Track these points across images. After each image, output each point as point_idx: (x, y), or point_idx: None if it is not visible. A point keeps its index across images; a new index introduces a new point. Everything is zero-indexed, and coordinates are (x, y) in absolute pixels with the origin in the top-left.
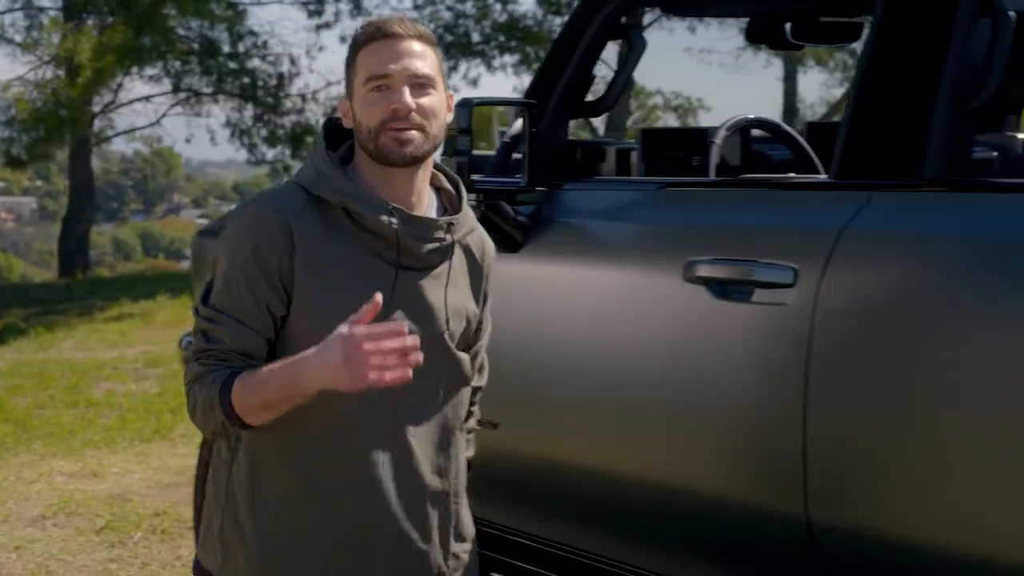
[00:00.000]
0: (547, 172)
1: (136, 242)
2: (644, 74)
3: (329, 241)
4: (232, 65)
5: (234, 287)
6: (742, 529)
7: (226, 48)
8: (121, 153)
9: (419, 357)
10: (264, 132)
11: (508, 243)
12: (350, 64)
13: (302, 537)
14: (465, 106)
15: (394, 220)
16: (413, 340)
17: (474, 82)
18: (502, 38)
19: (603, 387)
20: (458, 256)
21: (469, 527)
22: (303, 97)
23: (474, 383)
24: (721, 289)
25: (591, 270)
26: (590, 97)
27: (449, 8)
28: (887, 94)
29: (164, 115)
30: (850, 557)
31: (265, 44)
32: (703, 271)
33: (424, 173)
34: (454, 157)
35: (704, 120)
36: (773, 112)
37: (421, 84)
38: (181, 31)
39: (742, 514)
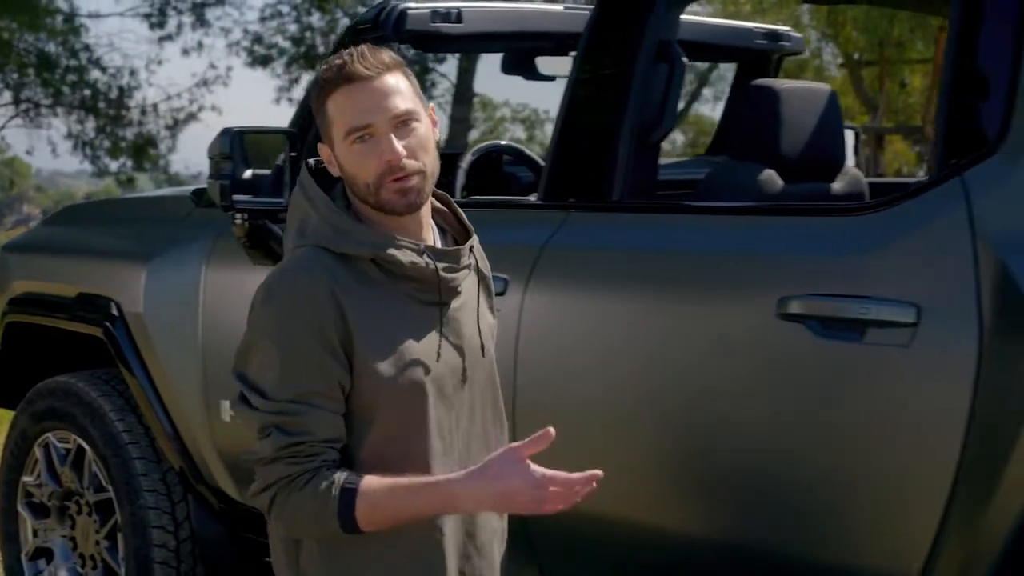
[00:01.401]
0: None
1: None
2: (491, 86)
3: (369, 297)
4: (71, 78)
5: (299, 371)
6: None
7: (64, 61)
8: None
9: (593, 485)
10: (107, 144)
11: (272, 258)
12: (319, 111)
13: None
14: (227, 135)
15: (430, 260)
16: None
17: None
18: None
19: None
20: (474, 276)
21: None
22: (143, 110)
23: None
24: None
25: None
26: None
27: (297, 20)
28: (582, 127)
29: (3, 127)
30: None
31: (100, 60)
32: None
33: (428, 206)
34: (217, 180)
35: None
36: None
37: (404, 121)
38: (17, 44)
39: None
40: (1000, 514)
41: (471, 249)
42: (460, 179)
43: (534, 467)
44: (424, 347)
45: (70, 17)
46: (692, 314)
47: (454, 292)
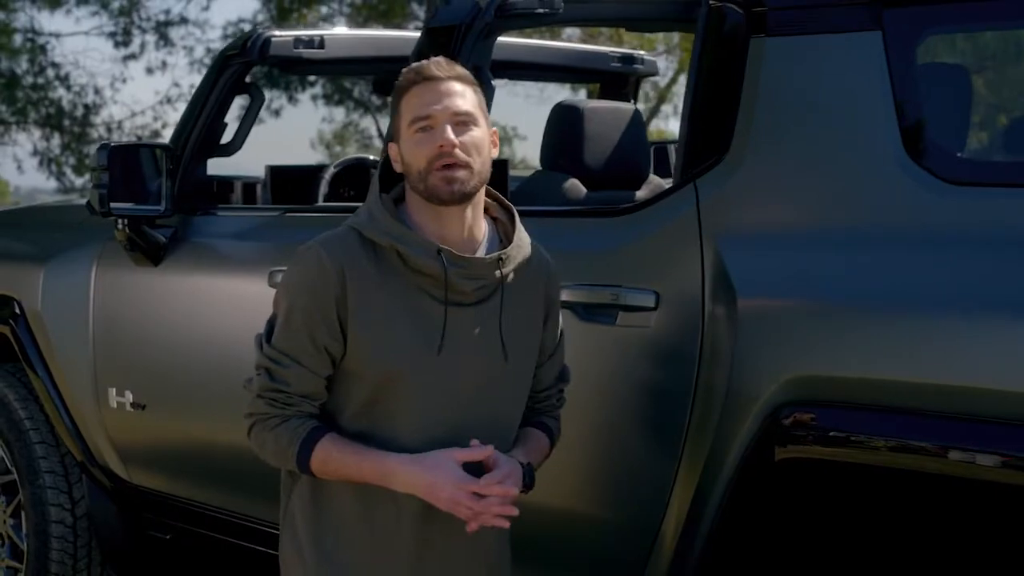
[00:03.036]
0: (187, 201)
1: None
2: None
3: (381, 283)
4: (36, 95)
5: (294, 330)
6: None
7: (31, 79)
8: None
9: (504, 524)
10: (72, 160)
11: (150, 258)
12: (394, 110)
13: (361, 565)
14: (104, 149)
15: (442, 261)
16: (512, 494)
17: (277, 112)
18: None
19: (221, 374)
20: (513, 284)
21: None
22: (109, 127)
23: (559, 382)
24: None
25: (214, 280)
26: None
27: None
28: None
29: None
30: None
31: (67, 77)
32: (275, 279)
33: (475, 209)
34: (96, 189)
35: (519, 148)
36: None
37: (463, 121)
38: None
39: None
40: (717, 467)
41: (500, 260)
42: (323, 188)
43: (462, 472)
44: (421, 338)
45: (32, 37)
46: None
47: (468, 295)
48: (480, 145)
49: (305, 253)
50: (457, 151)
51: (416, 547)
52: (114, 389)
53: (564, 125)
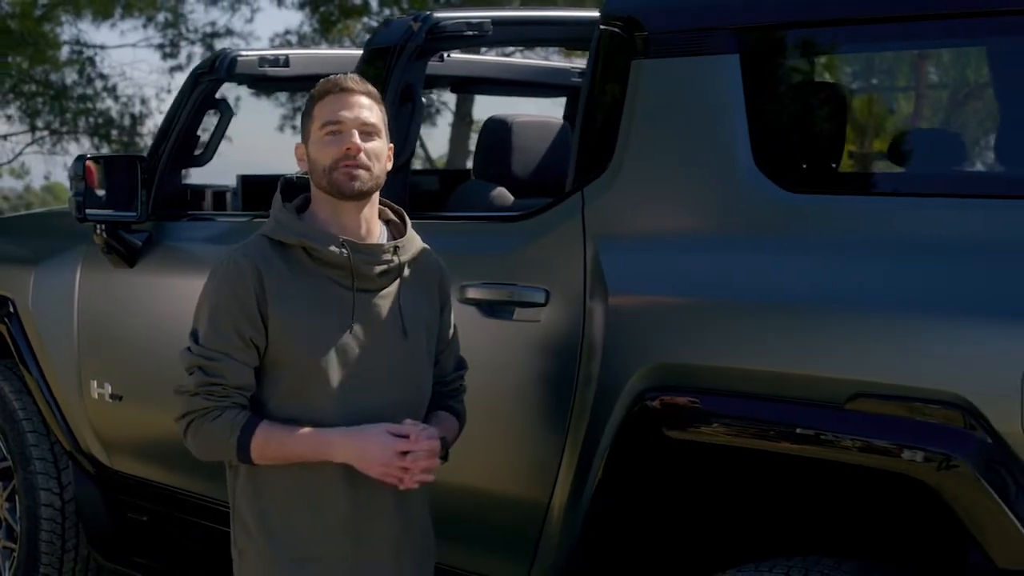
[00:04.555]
0: (162, 208)
1: None
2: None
3: (294, 278)
4: (83, 106)
5: (221, 328)
6: None
7: (80, 90)
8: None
9: (430, 478)
10: None
11: (126, 261)
12: (307, 114)
13: (307, 539)
14: (80, 160)
15: (345, 250)
16: (436, 445)
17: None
18: None
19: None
20: (409, 275)
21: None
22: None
23: (457, 370)
24: None
25: (184, 280)
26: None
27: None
28: None
29: (20, 153)
30: None
31: (115, 87)
32: None
33: (371, 208)
34: (73, 197)
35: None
36: None
37: (368, 132)
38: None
39: None
40: (594, 447)
41: (396, 249)
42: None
43: (391, 437)
44: (332, 322)
45: (79, 50)
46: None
47: (372, 281)
48: (379, 154)
49: (223, 261)
50: (361, 155)
51: (351, 512)
52: (95, 382)
53: (494, 138)
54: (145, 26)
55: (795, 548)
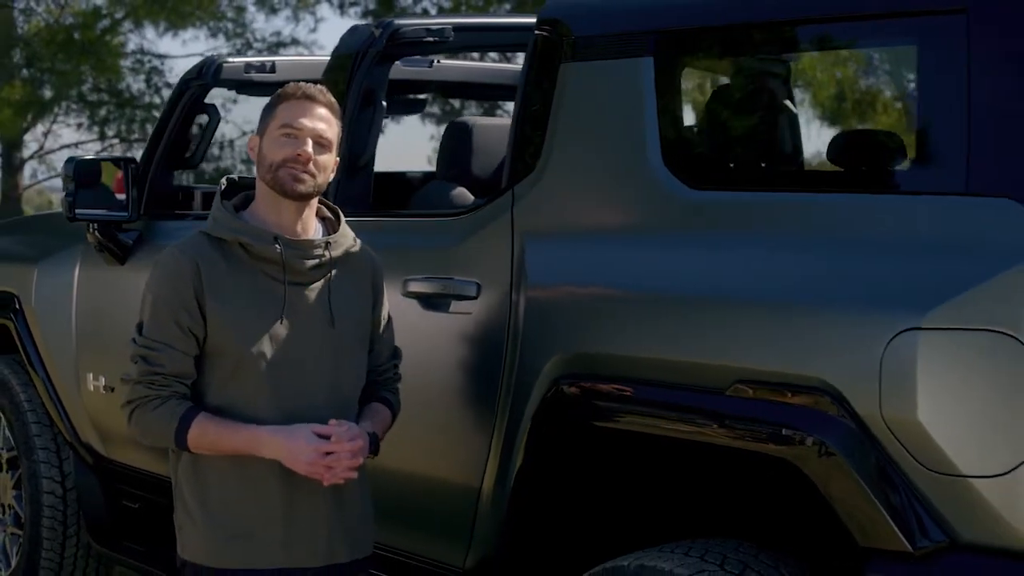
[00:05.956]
0: (153, 208)
1: None
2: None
3: (230, 273)
4: (152, 114)
5: (162, 319)
6: None
7: (145, 99)
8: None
9: (353, 476)
10: (189, 176)
11: (117, 258)
12: (269, 109)
13: (242, 516)
14: (71, 162)
15: (278, 246)
16: (359, 445)
17: None
18: None
19: None
20: (342, 269)
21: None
22: (221, 145)
23: (392, 359)
24: None
25: None
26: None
27: None
28: None
29: None
30: None
31: None
32: None
33: (309, 208)
34: (64, 198)
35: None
36: None
37: (322, 144)
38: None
39: None
40: (516, 432)
41: (328, 245)
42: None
43: (316, 438)
44: (265, 313)
45: (142, 59)
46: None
47: (304, 275)
48: (326, 166)
49: (164, 257)
50: (310, 164)
51: (285, 493)
52: (91, 374)
53: (455, 140)
54: (215, 35)
55: (701, 531)
